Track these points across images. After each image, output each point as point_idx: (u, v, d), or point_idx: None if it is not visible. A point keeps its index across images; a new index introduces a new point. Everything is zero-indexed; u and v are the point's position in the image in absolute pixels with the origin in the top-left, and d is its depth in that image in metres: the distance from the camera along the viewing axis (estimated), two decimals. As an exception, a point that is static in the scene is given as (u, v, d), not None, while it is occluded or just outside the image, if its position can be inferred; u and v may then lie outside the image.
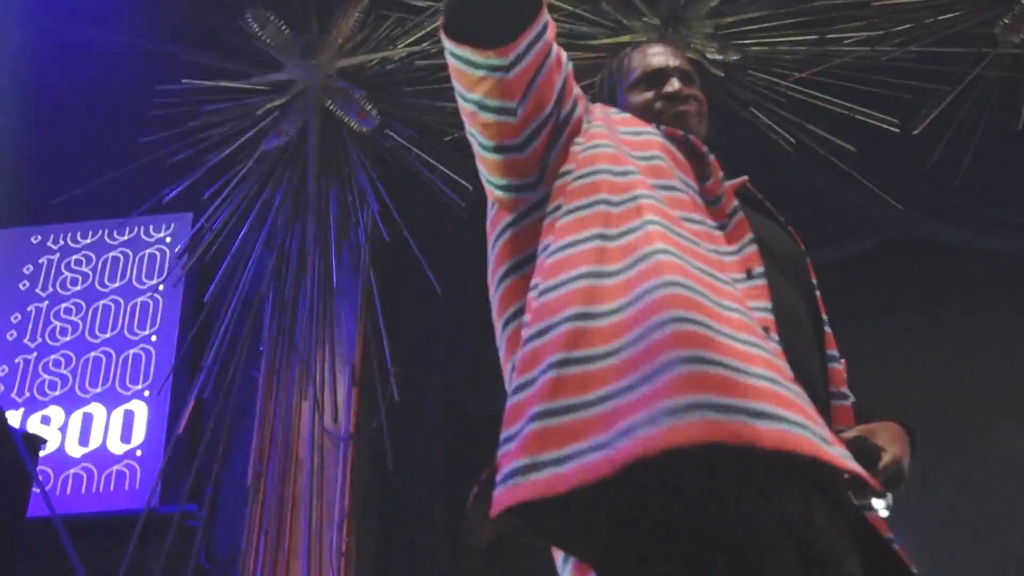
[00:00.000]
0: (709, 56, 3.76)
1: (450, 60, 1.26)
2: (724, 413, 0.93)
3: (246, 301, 4.22)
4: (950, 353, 4.28)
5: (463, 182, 3.97)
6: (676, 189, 1.27)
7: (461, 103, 1.29)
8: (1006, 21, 3.56)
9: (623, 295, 1.07)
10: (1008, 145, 3.89)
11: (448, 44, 1.23)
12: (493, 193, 1.33)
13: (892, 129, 3.77)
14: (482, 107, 1.24)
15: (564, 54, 1.33)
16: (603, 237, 1.15)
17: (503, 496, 0.98)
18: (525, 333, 1.11)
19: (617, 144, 1.30)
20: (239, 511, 4.01)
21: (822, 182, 3.97)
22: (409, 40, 3.93)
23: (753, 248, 1.26)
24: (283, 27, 4.06)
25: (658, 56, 1.57)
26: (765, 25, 3.79)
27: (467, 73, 1.23)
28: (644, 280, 1.07)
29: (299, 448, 4.11)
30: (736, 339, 1.03)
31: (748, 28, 3.79)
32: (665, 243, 1.12)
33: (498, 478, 1.00)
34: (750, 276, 1.22)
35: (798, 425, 0.97)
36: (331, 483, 4.09)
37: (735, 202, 1.32)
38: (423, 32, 3.90)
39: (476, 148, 1.32)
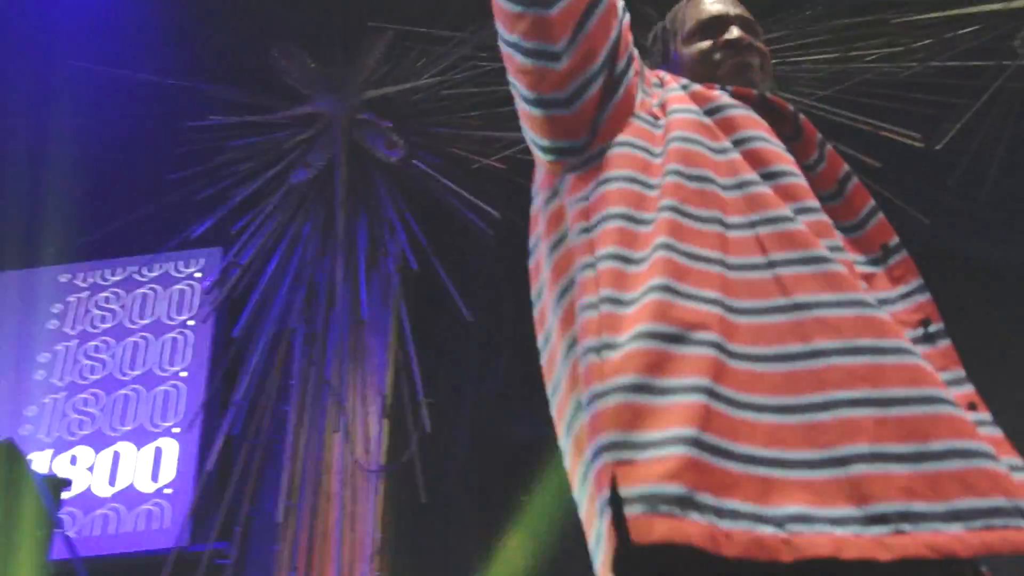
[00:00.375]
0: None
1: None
2: (915, 524, 0.86)
3: (276, 335, 4.21)
4: (980, 368, 4.23)
5: (490, 210, 3.99)
6: (785, 175, 1.11)
7: (502, 47, 1.16)
8: None
9: (758, 342, 0.96)
10: (1032, 157, 3.92)
11: None
12: (537, 155, 1.20)
13: (916, 144, 3.80)
14: (519, 49, 1.11)
15: (621, 3, 1.21)
16: (724, 265, 1.01)
17: (662, 525, 0.83)
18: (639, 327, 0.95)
19: (707, 132, 1.15)
20: (269, 548, 3.94)
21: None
22: (434, 70, 3.99)
23: (879, 218, 1.14)
24: (309, 61, 4.13)
25: (716, 4, 1.41)
26: (786, 45, 3.85)
27: (506, 9, 1.12)
28: (788, 340, 0.96)
29: (330, 482, 4.06)
30: (911, 403, 0.93)
31: (769, 48, 3.86)
32: (806, 293, 0.99)
33: (631, 491, 0.85)
34: (887, 254, 1.11)
35: (998, 514, 0.88)
36: (363, 517, 4.02)
37: (845, 166, 1.19)
38: (447, 63, 3.96)
39: (517, 102, 1.17)
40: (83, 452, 4.14)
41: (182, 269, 4.45)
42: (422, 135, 4.12)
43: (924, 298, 1.09)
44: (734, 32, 1.36)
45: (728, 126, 1.16)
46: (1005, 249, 4.05)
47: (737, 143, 1.14)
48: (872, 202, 1.16)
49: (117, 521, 4.01)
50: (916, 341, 1.04)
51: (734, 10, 1.41)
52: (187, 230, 4.22)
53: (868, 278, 1.09)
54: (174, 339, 4.29)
